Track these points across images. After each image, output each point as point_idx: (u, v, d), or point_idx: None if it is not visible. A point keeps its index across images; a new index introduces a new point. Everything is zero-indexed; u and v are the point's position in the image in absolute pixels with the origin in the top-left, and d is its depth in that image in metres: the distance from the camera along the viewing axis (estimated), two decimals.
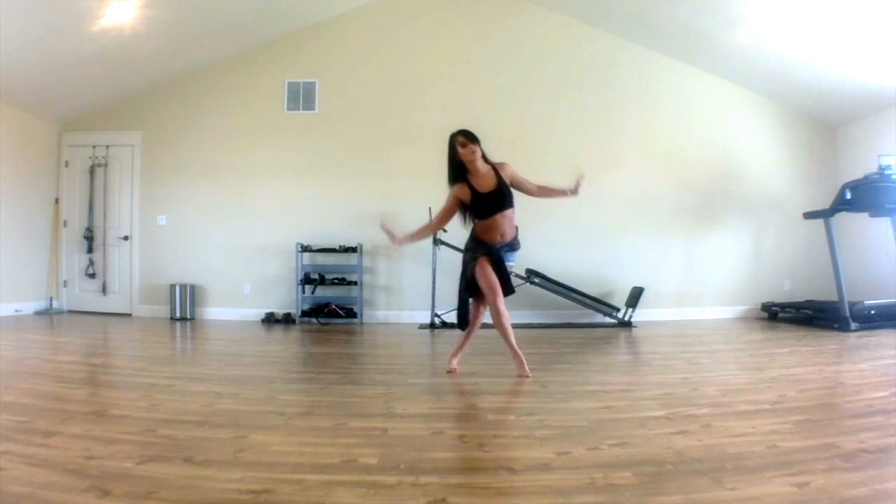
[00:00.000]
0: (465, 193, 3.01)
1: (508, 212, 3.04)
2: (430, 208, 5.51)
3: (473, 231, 3.13)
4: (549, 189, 3.15)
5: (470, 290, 3.11)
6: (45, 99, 5.83)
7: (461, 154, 2.98)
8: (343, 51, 6.22)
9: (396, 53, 6.21)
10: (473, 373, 3.20)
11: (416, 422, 2.24)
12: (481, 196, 3.00)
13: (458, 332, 5.08)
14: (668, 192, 6.14)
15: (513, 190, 3.08)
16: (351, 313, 5.82)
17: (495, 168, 3.05)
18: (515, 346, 3.09)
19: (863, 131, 6.08)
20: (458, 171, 3.03)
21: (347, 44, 6.23)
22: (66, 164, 6.41)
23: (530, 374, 3.00)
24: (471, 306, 3.21)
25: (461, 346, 3.31)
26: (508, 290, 3.08)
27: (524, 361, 3.06)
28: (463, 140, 2.98)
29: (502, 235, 3.05)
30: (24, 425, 2.08)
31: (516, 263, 3.21)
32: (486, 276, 3.01)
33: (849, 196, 5.05)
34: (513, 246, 3.14)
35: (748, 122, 6.35)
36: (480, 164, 3.01)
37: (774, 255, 6.28)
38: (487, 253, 3.04)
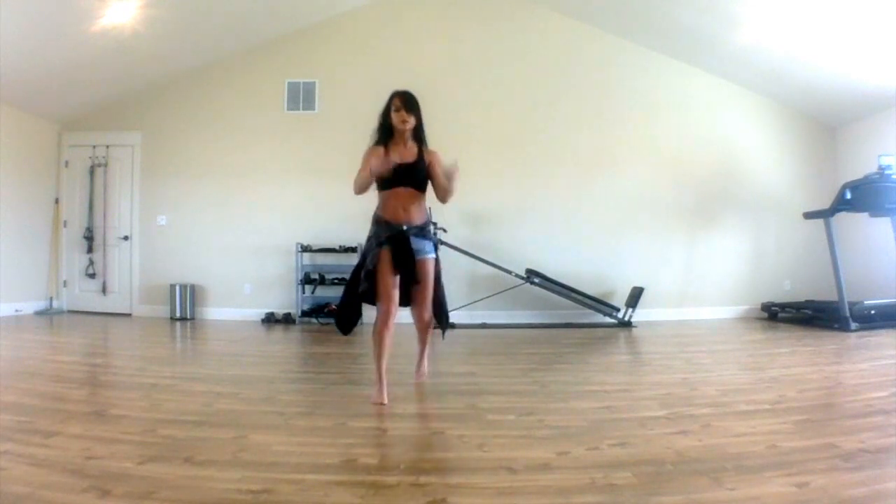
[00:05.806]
0: (376, 156, 2.57)
1: (416, 192, 2.65)
2: (429, 207, 5.51)
3: (376, 212, 2.70)
4: (443, 185, 2.66)
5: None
6: (45, 99, 5.82)
7: (392, 117, 2.63)
8: (343, 51, 6.22)
9: (396, 53, 6.21)
10: (473, 373, 3.20)
11: (416, 422, 2.24)
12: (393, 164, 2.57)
13: (459, 333, 5.10)
14: (667, 192, 6.14)
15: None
16: None
17: (422, 150, 2.70)
18: (383, 372, 2.52)
19: (863, 131, 6.08)
20: (386, 132, 2.67)
21: (347, 44, 6.22)
22: (66, 164, 6.41)
23: (385, 402, 2.44)
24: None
25: (421, 355, 2.86)
26: (409, 278, 2.59)
27: (383, 391, 2.49)
28: (398, 104, 2.61)
29: (405, 210, 2.61)
30: (24, 425, 2.08)
31: (434, 256, 2.71)
32: (381, 275, 2.52)
33: (849, 196, 5.05)
34: (423, 232, 2.67)
35: (748, 122, 6.35)
36: (409, 137, 2.67)
37: (774, 255, 6.27)
38: (389, 239, 2.55)
